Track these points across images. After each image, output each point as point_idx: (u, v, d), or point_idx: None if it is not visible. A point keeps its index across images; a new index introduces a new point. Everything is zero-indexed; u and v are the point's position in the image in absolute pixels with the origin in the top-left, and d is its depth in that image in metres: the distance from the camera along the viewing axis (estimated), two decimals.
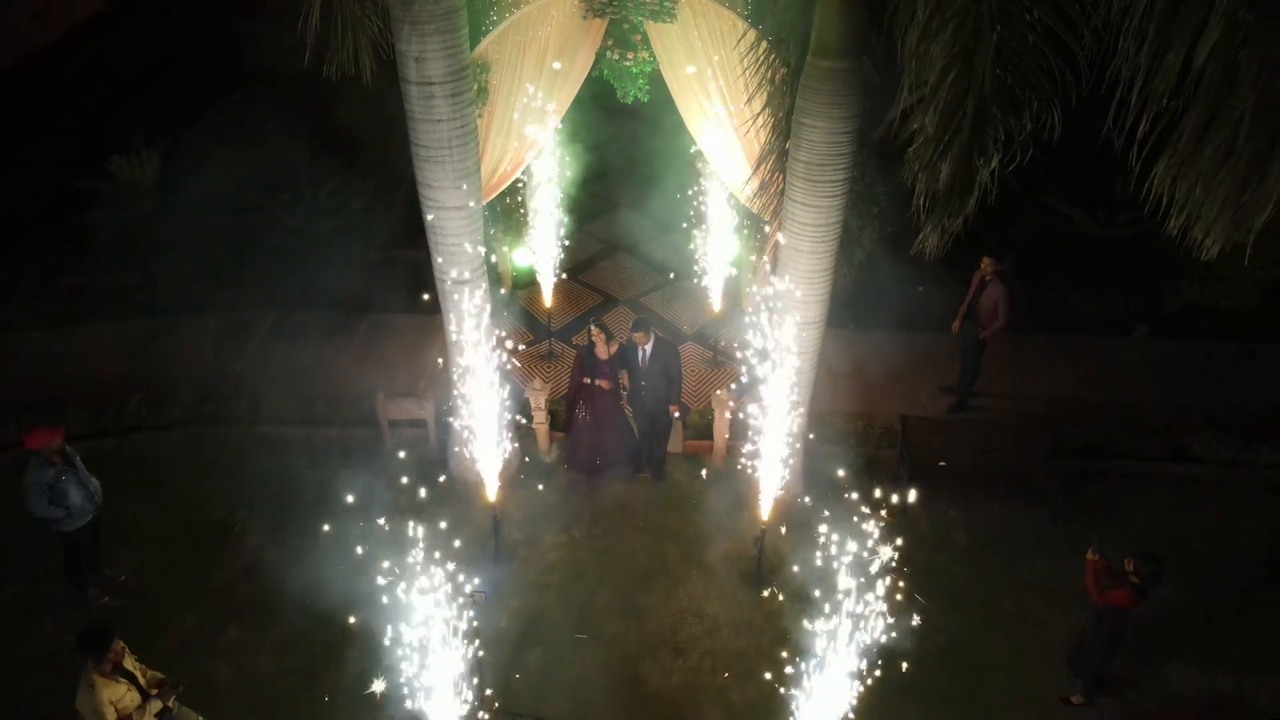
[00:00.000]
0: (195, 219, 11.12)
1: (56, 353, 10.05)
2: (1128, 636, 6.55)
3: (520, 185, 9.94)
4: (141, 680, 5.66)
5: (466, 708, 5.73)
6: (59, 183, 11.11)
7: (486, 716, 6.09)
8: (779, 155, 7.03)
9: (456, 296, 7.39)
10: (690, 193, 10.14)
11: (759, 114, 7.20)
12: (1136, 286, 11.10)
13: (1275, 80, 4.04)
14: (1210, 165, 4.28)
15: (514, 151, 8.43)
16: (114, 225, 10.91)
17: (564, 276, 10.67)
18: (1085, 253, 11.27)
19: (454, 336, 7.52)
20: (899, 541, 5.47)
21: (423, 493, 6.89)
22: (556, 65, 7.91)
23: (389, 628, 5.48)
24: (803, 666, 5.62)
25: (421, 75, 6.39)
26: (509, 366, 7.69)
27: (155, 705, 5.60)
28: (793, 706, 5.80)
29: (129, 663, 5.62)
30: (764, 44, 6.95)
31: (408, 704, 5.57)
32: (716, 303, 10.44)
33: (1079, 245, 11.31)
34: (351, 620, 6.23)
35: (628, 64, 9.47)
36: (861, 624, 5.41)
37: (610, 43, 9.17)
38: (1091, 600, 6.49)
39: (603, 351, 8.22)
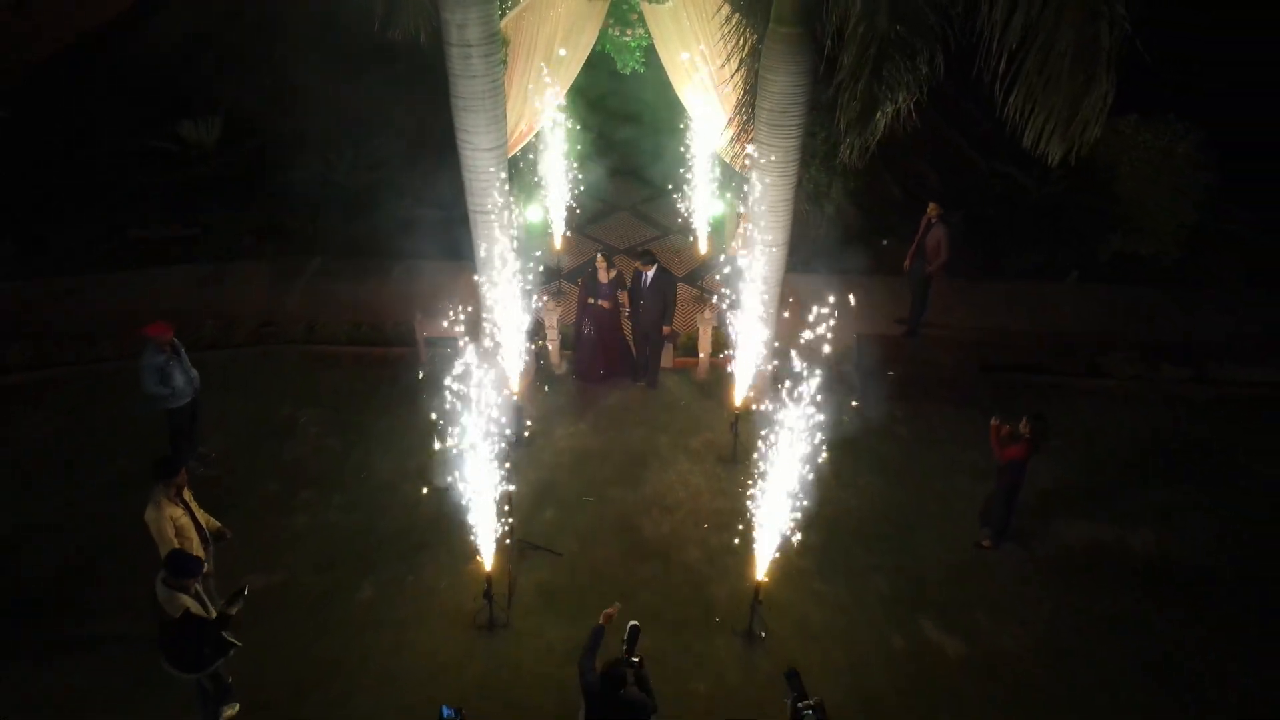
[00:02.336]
0: (249, 176, 12.78)
1: (134, 290, 11.65)
2: (1023, 486, 8.12)
3: (534, 149, 11.55)
4: (202, 521, 7.04)
5: (497, 536, 7.35)
6: (133, 143, 12.74)
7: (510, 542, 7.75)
8: (749, 107, 8.67)
9: (484, 224, 9.03)
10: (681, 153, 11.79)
11: (734, 74, 8.86)
12: (1072, 238, 12.73)
13: (1087, 27, 5.68)
14: (1046, 93, 5.92)
15: (529, 115, 10.10)
16: (178, 182, 12.55)
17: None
18: (1028, 209, 12.92)
19: (482, 254, 9.15)
20: (851, 431, 7.00)
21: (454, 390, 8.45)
22: (562, 52, 9.57)
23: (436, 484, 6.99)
24: (764, 520, 7.14)
25: (461, 39, 8.02)
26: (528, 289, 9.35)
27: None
28: (755, 548, 7.38)
29: (192, 502, 7.02)
30: (737, 16, 8.59)
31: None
32: (702, 247, 12.10)
33: (1022, 202, 12.95)
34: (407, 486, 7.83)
35: (626, 39, 11.20)
36: (815, 490, 6.94)
37: (611, 21, 10.89)
38: (995, 459, 8.07)
39: (603, 276, 9.87)
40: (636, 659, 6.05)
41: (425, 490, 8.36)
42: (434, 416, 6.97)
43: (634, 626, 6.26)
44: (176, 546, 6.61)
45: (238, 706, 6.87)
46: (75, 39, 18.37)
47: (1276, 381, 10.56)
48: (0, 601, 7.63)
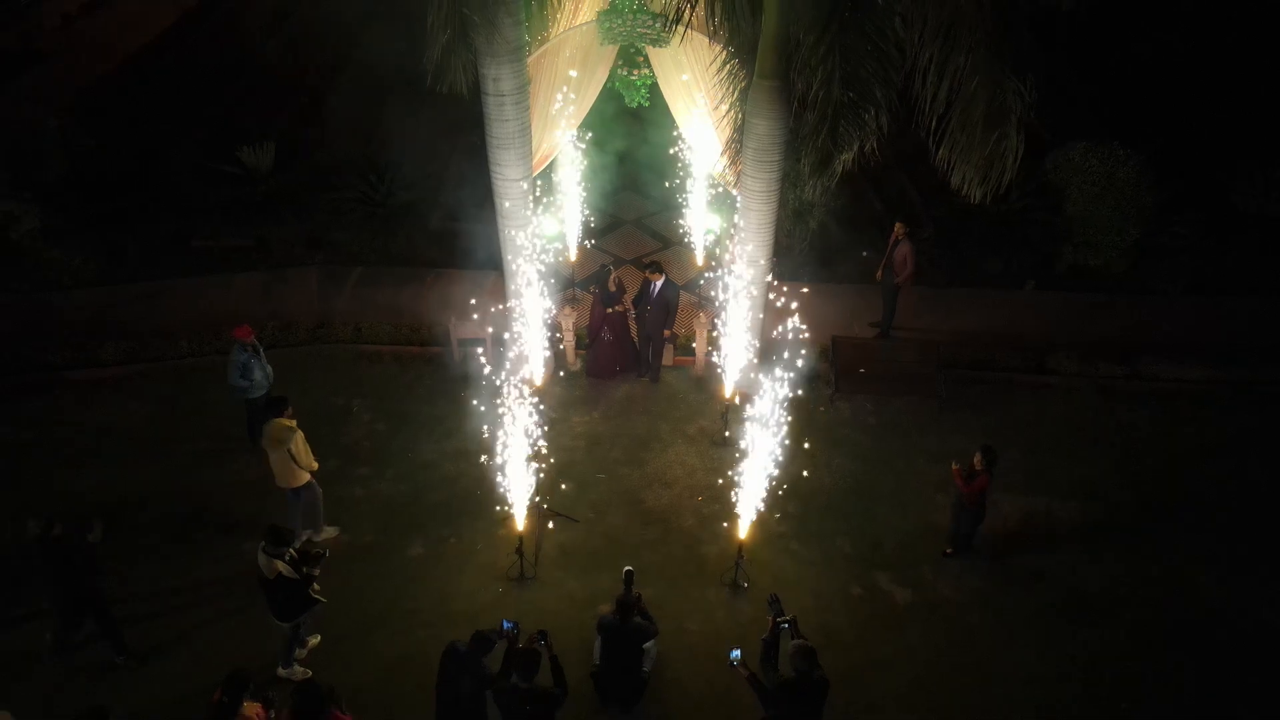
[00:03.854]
0: (298, 195, 14.42)
1: (203, 294, 13.27)
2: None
3: (552, 169, 13.14)
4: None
5: (526, 504, 8.97)
6: (199, 166, 14.39)
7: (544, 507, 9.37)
8: (738, 143, 10.24)
9: (513, 234, 10.62)
10: (679, 179, 13.39)
11: (725, 114, 10.44)
12: (1031, 251, 14.28)
13: (996, 97, 7.24)
14: (966, 147, 7.49)
15: (549, 141, 11.70)
16: (238, 199, 14.19)
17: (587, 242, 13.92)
18: (990, 224, 14.46)
19: (512, 267, 10.75)
20: (826, 420, 8.55)
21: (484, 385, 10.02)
22: (574, 72, 11.14)
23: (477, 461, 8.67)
24: (749, 493, 8.75)
25: (497, 90, 9.62)
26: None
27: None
28: (738, 513, 8.97)
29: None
30: (729, 65, 10.16)
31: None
32: (699, 258, 13.70)
33: (985, 218, 14.49)
34: (446, 463, 9.45)
35: (633, 78, 12.84)
36: (793, 469, 8.49)
37: (620, 62, 12.51)
38: (961, 494, 9.09)
39: (613, 286, 11.48)
40: (637, 594, 7.65)
41: (484, 459, 9.87)
42: (476, 404, 8.55)
43: (628, 571, 7.87)
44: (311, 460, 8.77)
45: (319, 637, 8.48)
46: (124, 59, 20.16)
47: (1198, 378, 12.10)
48: (124, 549, 9.26)
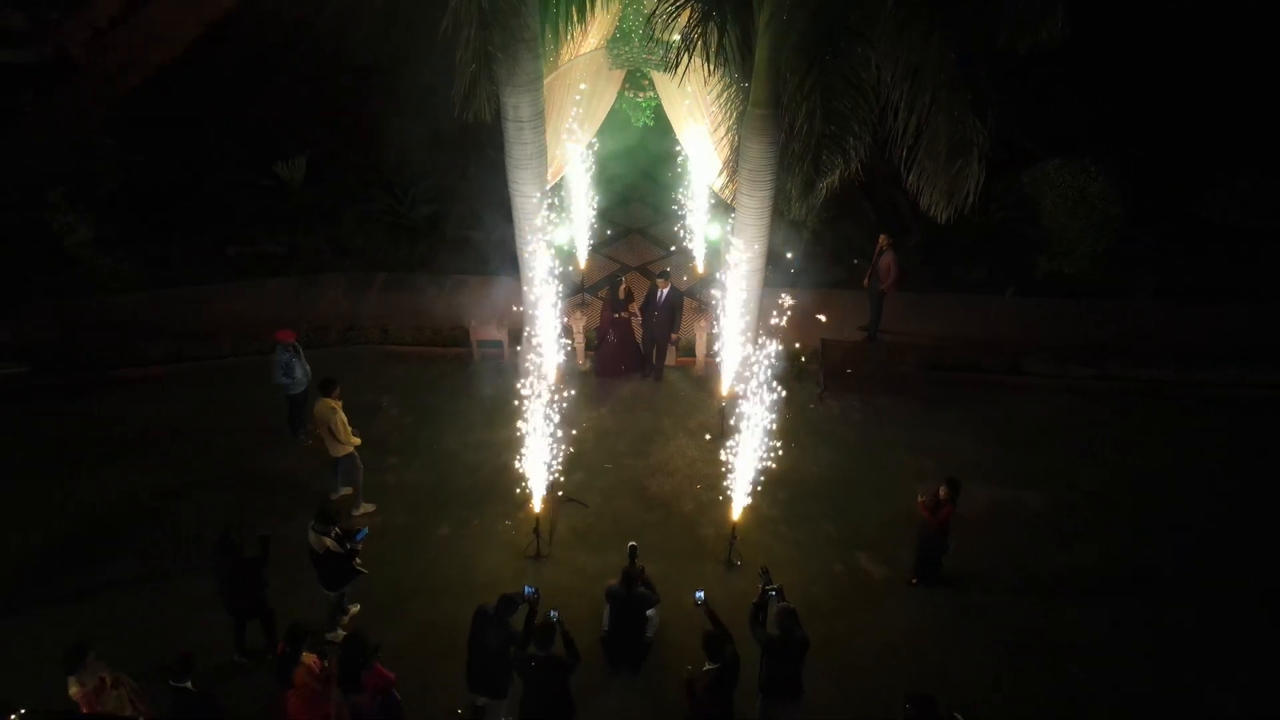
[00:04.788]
0: (327, 207, 15.50)
1: (241, 298, 14.36)
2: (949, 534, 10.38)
3: (563, 185, 14.17)
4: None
5: (545, 489, 10.02)
6: (236, 179, 15.49)
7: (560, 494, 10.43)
8: (734, 163, 11.26)
9: (529, 246, 11.66)
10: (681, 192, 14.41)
11: (723, 136, 11.46)
12: (1012, 259, 15.28)
13: (957, 131, 8.26)
14: (933, 173, 8.50)
15: (560, 158, 12.74)
16: (272, 210, 15.28)
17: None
18: (973, 235, 15.46)
19: (529, 274, 11.78)
20: (816, 416, 9.58)
21: (501, 383, 11.13)
22: (584, 85, 12.15)
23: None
24: (743, 481, 9.78)
25: (516, 116, 10.65)
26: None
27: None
28: (733, 499, 9.99)
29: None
30: (726, 94, 11.17)
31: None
32: (700, 266, 14.74)
33: (968, 229, 15.48)
34: (468, 454, 10.52)
35: (639, 99, 13.88)
36: (785, 460, 9.50)
37: (627, 85, 13.56)
38: (926, 524, 9.76)
39: (621, 293, 12.53)
40: (641, 567, 8.69)
41: (502, 450, 10.89)
42: (494, 400, 9.59)
43: (633, 546, 8.90)
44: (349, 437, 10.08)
45: (359, 606, 9.54)
46: (154, 71, 21.22)
47: (1157, 378, 13.11)
48: (180, 529, 10.33)
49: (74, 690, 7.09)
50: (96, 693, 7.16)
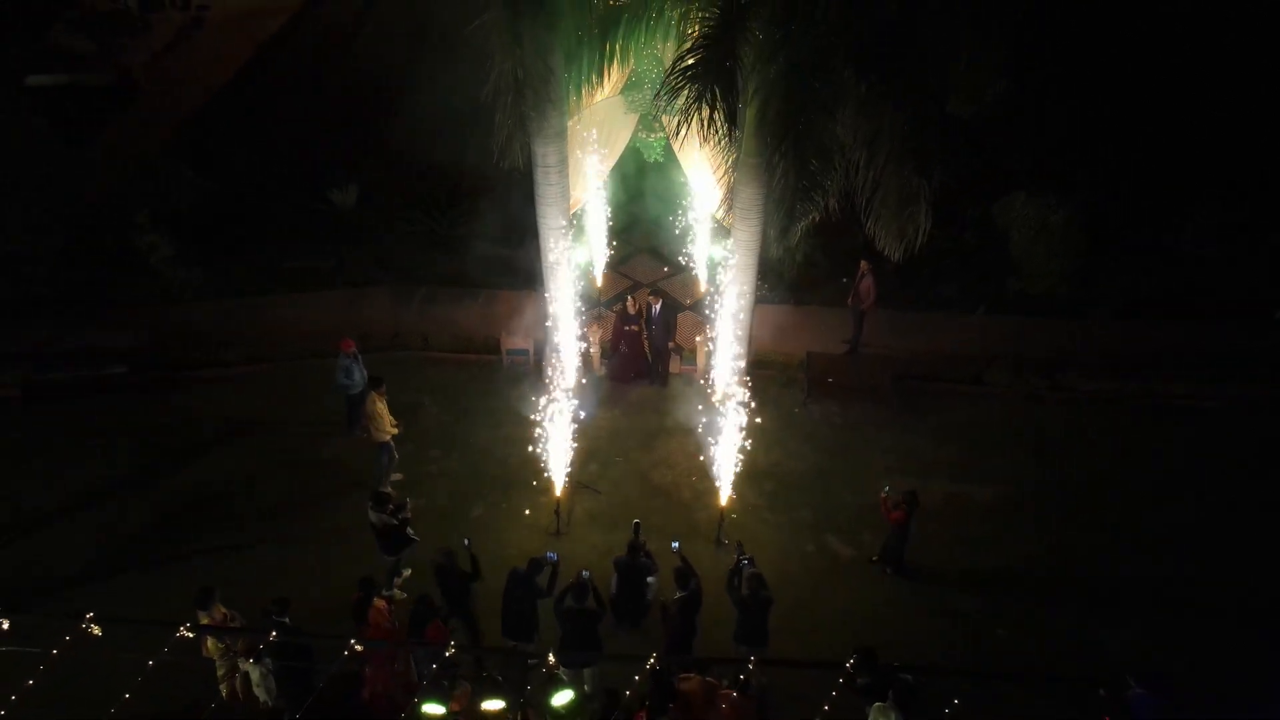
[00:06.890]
0: (374, 226, 17.50)
1: (297, 309, 16.36)
2: (909, 535, 12.02)
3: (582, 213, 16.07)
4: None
5: (564, 479, 11.94)
6: (294, 203, 17.55)
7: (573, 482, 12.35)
8: (729, 201, 13.12)
9: (553, 269, 13.56)
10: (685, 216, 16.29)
11: (721, 178, 13.32)
12: (981, 280, 17.00)
13: (906, 185, 10.07)
14: (886, 218, 10.33)
15: (580, 188, 14.66)
16: (320, 229, 17.31)
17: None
18: (947, 257, 17.20)
19: (552, 293, 13.69)
20: (799, 419, 11.45)
21: (528, 386, 13.02)
22: (598, 131, 14.07)
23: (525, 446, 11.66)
24: (732, 474, 11.65)
25: (544, 162, 12.57)
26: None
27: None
28: (722, 488, 11.84)
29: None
30: (723, 142, 13.02)
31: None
32: (703, 284, 16.61)
33: (944, 252, 17.23)
34: (497, 447, 12.47)
35: (651, 139, 15.78)
36: (769, 457, 11.38)
37: (640, 126, 15.46)
38: (885, 518, 11.70)
39: (630, 309, 14.45)
40: (643, 540, 10.58)
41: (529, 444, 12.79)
42: (521, 400, 11.49)
43: (636, 523, 10.78)
44: (389, 426, 11.88)
45: (410, 570, 11.49)
46: (211, 93, 23.24)
47: (1106, 388, 14.83)
48: (252, 510, 12.35)
49: (204, 622, 9.07)
50: (221, 624, 9.13)
